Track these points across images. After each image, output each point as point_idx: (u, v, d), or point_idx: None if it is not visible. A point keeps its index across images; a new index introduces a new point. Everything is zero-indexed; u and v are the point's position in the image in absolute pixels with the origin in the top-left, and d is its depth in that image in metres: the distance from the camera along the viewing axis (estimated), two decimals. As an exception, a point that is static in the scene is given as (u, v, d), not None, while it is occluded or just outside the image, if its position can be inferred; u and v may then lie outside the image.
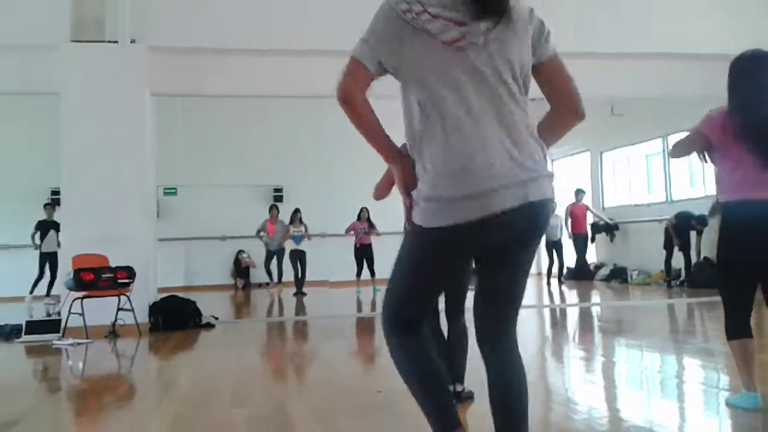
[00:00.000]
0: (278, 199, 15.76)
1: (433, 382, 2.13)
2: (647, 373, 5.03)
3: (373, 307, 10.52)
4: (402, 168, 2.03)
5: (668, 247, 11.86)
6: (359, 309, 10.64)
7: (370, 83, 1.98)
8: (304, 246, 13.39)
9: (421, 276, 2.07)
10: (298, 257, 13.20)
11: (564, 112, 2.11)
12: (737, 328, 3.48)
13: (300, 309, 10.91)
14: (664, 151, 13.44)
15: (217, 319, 8.35)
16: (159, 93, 8.72)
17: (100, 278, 7.22)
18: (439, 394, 2.13)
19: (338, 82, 1.97)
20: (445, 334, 3.81)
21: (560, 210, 13.88)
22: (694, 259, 11.68)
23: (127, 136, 7.90)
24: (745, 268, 3.47)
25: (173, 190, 15.13)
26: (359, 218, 13.34)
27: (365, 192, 15.78)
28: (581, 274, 14.05)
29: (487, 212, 1.87)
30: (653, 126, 12.96)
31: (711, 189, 11.59)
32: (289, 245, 13.56)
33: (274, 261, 13.84)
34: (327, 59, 8.60)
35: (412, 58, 1.94)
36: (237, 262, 15.62)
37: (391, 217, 13.93)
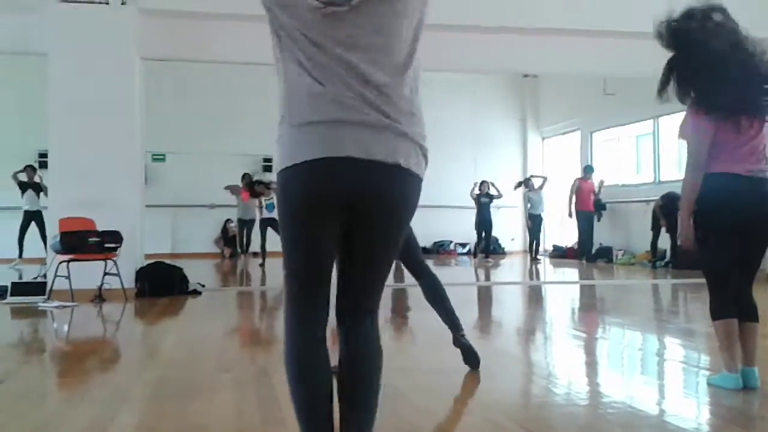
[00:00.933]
0: (267, 168, 15.69)
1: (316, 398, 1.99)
2: (629, 350, 5.09)
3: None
4: None
5: (655, 228, 11.93)
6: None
7: None
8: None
9: None
10: (270, 225, 12.74)
11: None
12: (721, 308, 3.51)
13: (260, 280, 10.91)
14: (654, 132, 13.47)
15: (203, 286, 8.36)
16: (149, 57, 8.63)
17: (86, 242, 7.20)
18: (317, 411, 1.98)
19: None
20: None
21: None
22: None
23: (115, 100, 7.82)
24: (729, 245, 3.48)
25: (162, 157, 15.04)
26: None
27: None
28: (585, 253, 13.59)
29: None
30: (644, 107, 12.93)
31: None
32: (256, 213, 13.37)
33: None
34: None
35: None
36: (224, 230, 15.60)
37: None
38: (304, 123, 1.84)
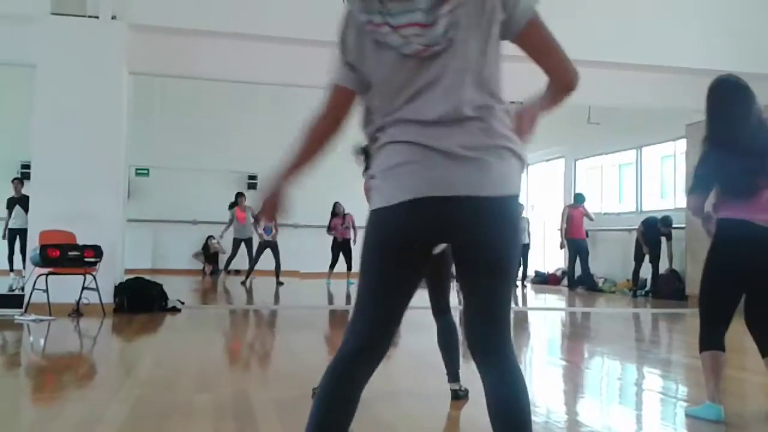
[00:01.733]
0: (252, 186, 15.67)
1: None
2: (608, 379, 5.10)
3: (348, 300, 10.53)
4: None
5: (638, 257, 12.02)
6: (330, 301, 10.62)
7: (352, 100, 1.91)
8: (289, 233, 13.23)
9: None
10: (269, 248, 12.93)
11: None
12: (711, 340, 3.54)
13: (268, 298, 10.88)
14: (637, 161, 13.62)
15: (183, 303, 8.30)
16: (137, 72, 8.63)
17: (66, 255, 7.13)
18: None
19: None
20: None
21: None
22: (661, 270, 11.85)
23: (101, 114, 7.80)
24: (732, 285, 3.54)
25: (145, 171, 14.99)
26: (335, 213, 13.27)
27: (339, 183, 15.96)
28: (586, 282, 13.26)
29: None
30: (628, 136, 13.12)
31: (681, 201, 11.78)
32: (254, 236, 13.42)
33: (243, 250, 13.72)
34: (310, 48, 8.61)
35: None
36: (206, 247, 15.52)
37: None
38: (399, 164, 1.77)
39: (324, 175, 14.52)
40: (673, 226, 11.46)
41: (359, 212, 13.06)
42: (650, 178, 13.43)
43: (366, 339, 1.96)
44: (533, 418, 3.62)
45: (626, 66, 9.16)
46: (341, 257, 13.25)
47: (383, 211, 1.79)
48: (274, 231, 12.91)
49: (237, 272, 15.00)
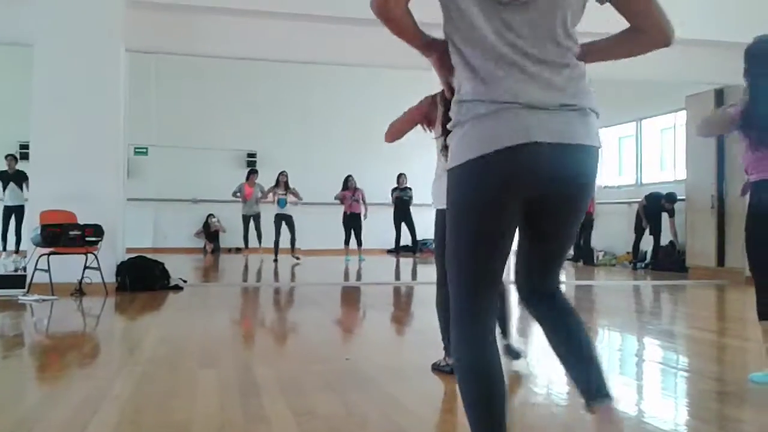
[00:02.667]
0: (251, 164, 15.65)
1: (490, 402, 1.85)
2: (609, 351, 5.13)
3: (358, 277, 10.59)
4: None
5: (638, 230, 12.04)
6: (346, 278, 10.64)
7: None
8: (294, 210, 13.03)
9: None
10: (284, 220, 12.76)
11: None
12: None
13: (273, 275, 10.92)
14: (637, 134, 13.59)
15: (185, 281, 8.33)
16: (134, 49, 8.57)
17: (67, 235, 7.14)
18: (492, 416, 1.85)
19: None
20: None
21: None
22: (662, 243, 11.88)
23: (99, 92, 7.76)
24: None
25: (144, 150, 14.94)
26: (346, 186, 13.24)
27: (343, 160, 15.95)
28: (585, 257, 13.36)
29: None
30: (627, 109, 13.07)
31: (681, 173, 11.78)
32: (271, 209, 13.30)
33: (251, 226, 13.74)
34: (309, 24, 8.57)
35: None
36: (206, 225, 15.53)
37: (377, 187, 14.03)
38: (493, 110, 1.75)
39: (330, 153, 14.63)
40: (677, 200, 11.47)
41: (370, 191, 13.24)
42: (650, 151, 13.41)
43: (479, 304, 1.89)
44: (535, 389, 3.67)
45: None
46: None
47: (479, 161, 1.75)
48: (287, 201, 12.74)
49: (238, 250, 15.04)
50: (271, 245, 12.90)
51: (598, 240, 13.77)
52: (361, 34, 8.73)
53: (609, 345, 5.39)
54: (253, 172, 13.87)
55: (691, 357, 4.71)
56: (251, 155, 15.89)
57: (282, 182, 12.95)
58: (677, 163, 12.32)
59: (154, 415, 3.08)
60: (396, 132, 3.95)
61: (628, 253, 12.59)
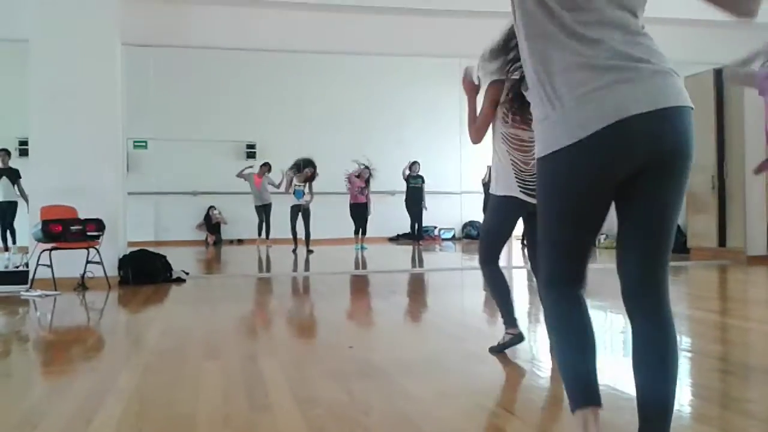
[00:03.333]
0: (251, 155, 15.65)
1: (583, 351, 1.98)
2: (611, 333, 5.13)
3: (357, 266, 10.60)
4: None
5: None
6: (356, 266, 10.63)
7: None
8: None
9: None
10: (300, 212, 12.55)
11: None
12: None
13: (275, 265, 10.94)
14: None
15: (187, 273, 8.34)
16: (131, 42, 8.55)
17: (68, 230, 7.15)
18: (589, 364, 1.97)
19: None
20: None
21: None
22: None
23: (96, 86, 7.76)
24: None
25: (143, 144, 14.93)
26: (359, 176, 13.07)
27: (345, 149, 15.93)
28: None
29: None
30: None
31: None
32: (282, 201, 13.34)
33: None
34: (306, 13, 8.54)
35: None
36: (208, 217, 15.55)
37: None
38: (579, 94, 1.73)
39: (329, 144, 14.55)
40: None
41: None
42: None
43: (571, 277, 2.00)
44: (538, 373, 3.67)
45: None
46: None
47: (573, 149, 1.73)
48: (305, 195, 12.54)
49: (240, 241, 15.09)
50: (280, 236, 12.88)
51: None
52: (359, 22, 8.72)
53: (613, 327, 5.39)
54: (265, 165, 13.92)
55: (694, 337, 4.72)
56: (251, 146, 15.88)
57: (306, 175, 12.56)
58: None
59: (158, 407, 3.10)
60: (482, 129, 4.02)
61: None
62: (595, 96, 1.71)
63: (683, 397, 3.33)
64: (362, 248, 12.82)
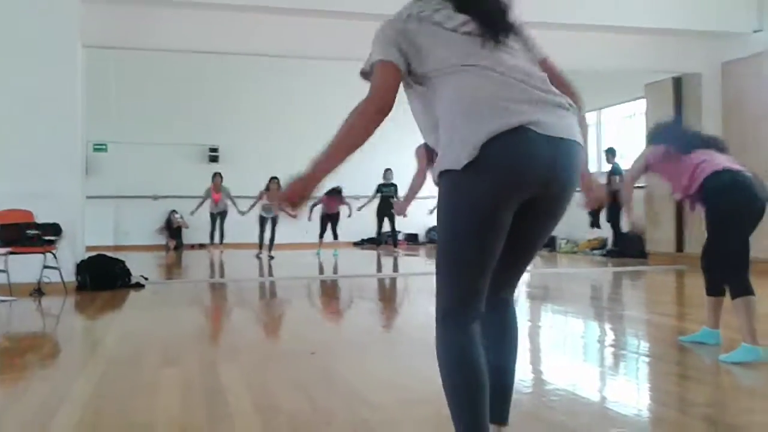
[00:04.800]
0: (214, 159, 15.49)
1: (480, 390, 1.87)
2: (571, 338, 5.19)
3: (325, 271, 10.57)
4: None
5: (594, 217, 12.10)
6: (317, 271, 10.58)
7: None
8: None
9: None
10: (271, 219, 12.50)
11: None
12: (747, 287, 3.88)
13: (235, 270, 10.85)
14: (597, 123, 13.74)
15: (146, 279, 8.22)
16: (91, 44, 8.40)
17: (25, 235, 7.01)
18: (481, 405, 1.87)
19: (373, 93, 1.87)
20: None
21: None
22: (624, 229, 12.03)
23: (55, 89, 7.62)
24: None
25: (103, 147, 14.68)
26: (331, 197, 12.91)
27: (309, 153, 15.68)
28: (547, 245, 12.97)
29: None
30: (587, 98, 12.99)
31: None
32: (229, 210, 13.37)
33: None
34: (268, 16, 8.49)
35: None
36: (169, 222, 15.35)
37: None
38: (485, 98, 1.81)
39: (292, 148, 14.42)
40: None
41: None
42: (609, 140, 13.57)
43: (474, 306, 1.90)
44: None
45: (583, 27, 9.17)
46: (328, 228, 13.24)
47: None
48: (275, 212, 12.39)
49: (201, 246, 14.91)
50: (236, 241, 12.78)
51: (559, 228, 13.86)
52: (322, 26, 8.69)
53: (571, 331, 5.45)
54: (217, 176, 13.75)
55: (651, 342, 4.79)
56: (213, 150, 15.72)
57: (273, 189, 12.15)
58: (637, 151, 12.47)
59: (114, 416, 3.04)
60: (416, 190, 4.05)
61: (589, 240, 12.73)
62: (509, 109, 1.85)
63: (641, 401, 3.38)
64: (335, 254, 12.79)
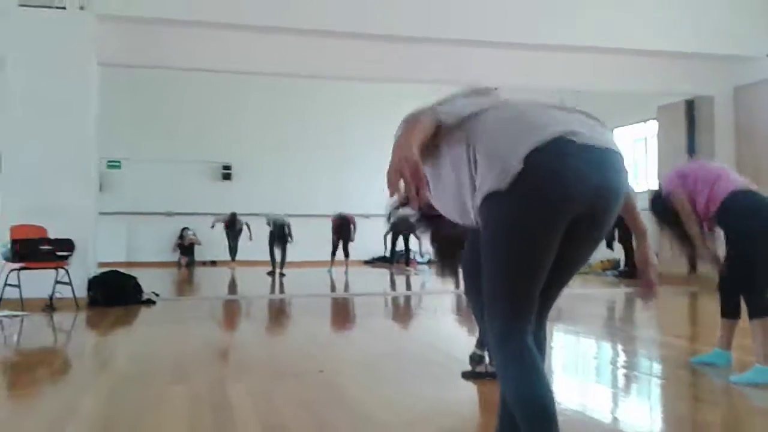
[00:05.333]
0: (227, 176, 15.58)
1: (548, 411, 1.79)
2: (583, 359, 5.14)
3: (337, 288, 10.54)
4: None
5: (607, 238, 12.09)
6: (330, 289, 10.57)
7: None
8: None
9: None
10: (280, 238, 12.58)
11: None
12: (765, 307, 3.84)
13: (246, 287, 10.86)
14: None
15: (158, 295, 8.24)
16: (106, 63, 8.52)
17: (38, 250, 7.06)
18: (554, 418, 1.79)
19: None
20: None
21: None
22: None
23: (71, 105, 7.71)
24: None
25: (117, 164, 14.83)
26: (340, 225, 13.17)
27: (321, 169, 15.98)
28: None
29: None
30: (601, 119, 13.17)
31: (653, 183, 11.90)
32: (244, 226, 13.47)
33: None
34: (281, 36, 8.57)
35: None
36: (181, 238, 15.41)
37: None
38: (515, 117, 1.85)
39: (304, 165, 14.49)
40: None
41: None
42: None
43: (529, 321, 1.86)
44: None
45: (597, 50, 9.22)
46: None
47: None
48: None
49: (213, 263, 14.97)
50: (254, 258, 12.86)
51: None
52: (338, 47, 8.77)
53: (583, 352, 5.40)
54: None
55: (664, 363, 4.74)
56: (226, 167, 15.81)
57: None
58: (649, 173, 12.44)
59: (123, 432, 3.03)
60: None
61: (601, 261, 12.66)
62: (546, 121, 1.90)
63: (655, 424, 3.34)
64: (346, 272, 12.86)
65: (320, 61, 8.95)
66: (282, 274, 12.28)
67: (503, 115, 1.86)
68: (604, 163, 1.80)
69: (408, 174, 1.67)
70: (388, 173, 1.69)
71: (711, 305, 3.77)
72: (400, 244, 14.32)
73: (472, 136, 1.85)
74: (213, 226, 13.93)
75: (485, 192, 1.77)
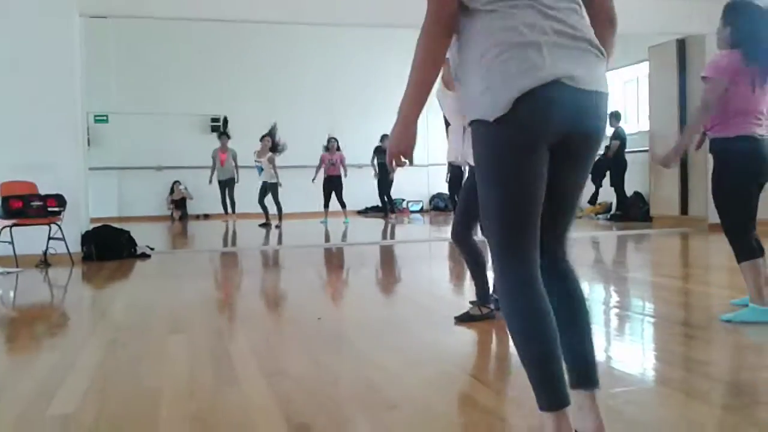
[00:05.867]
0: (215, 129, 15.44)
1: (547, 316, 1.84)
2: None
3: (331, 238, 10.58)
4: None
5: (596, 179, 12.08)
6: (323, 239, 10.59)
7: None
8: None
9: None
10: (268, 188, 12.47)
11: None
12: (750, 250, 3.85)
13: (240, 240, 10.88)
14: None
15: (152, 249, 8.24)
16: (88, 14, 8.33)
17: (29, 206, 7.03)
18: (555, 356, 1.83)
19: (429, 5, 1.83)
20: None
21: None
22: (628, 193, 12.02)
23: (54, 59, 7.56)
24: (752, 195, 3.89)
25: (104, 118, 14.63)
26: (327, 149, 13.05)
27: (314, 121, 15.84)
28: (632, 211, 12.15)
29: None
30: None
31: (644, 124, 11.89)
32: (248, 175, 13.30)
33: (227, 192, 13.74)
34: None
35: None
36: (173, 192, 15.35)
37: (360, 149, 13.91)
38: (520, 45, 1.78)
39: (294, 117, 14.38)
40: (630, 150, 11.66)
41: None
42: (615, 103, 13.49)
43: (528, 245, 1.90)
44: (507, 341, 3.69)
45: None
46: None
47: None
48: (265, 170, 12.37)
49: (206, 216, 14.96)
50: (250, 210, 12.86)
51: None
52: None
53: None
54: (222, 135, 13.75)
55: (657, 303, 4.80)
56: (215, 119, 15.66)
57: (265, 146, 12.43)
58: (640, 115, 12.40)
59: (123, 382, 3.06)
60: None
61: (593, 204, 12.73)
62: (539, 53, 1.84)
63: (647, 361, 3.39)
64: (346, 222, 12.84)
65: (313, 8, 8.77)
66: (277, 226, 12.29)
67: (508, 39, 1.79)
68: (590, 105, 1.84)
69: (405, 157, 1.94)
70: (388, 159, 1.97)
71: (702, 246, 3.79)
72: (396, 194, 14.33)
73: (477, 30, 1.84)
74: (210, 182, 13.74)
75: (473, 117, 1.86)
